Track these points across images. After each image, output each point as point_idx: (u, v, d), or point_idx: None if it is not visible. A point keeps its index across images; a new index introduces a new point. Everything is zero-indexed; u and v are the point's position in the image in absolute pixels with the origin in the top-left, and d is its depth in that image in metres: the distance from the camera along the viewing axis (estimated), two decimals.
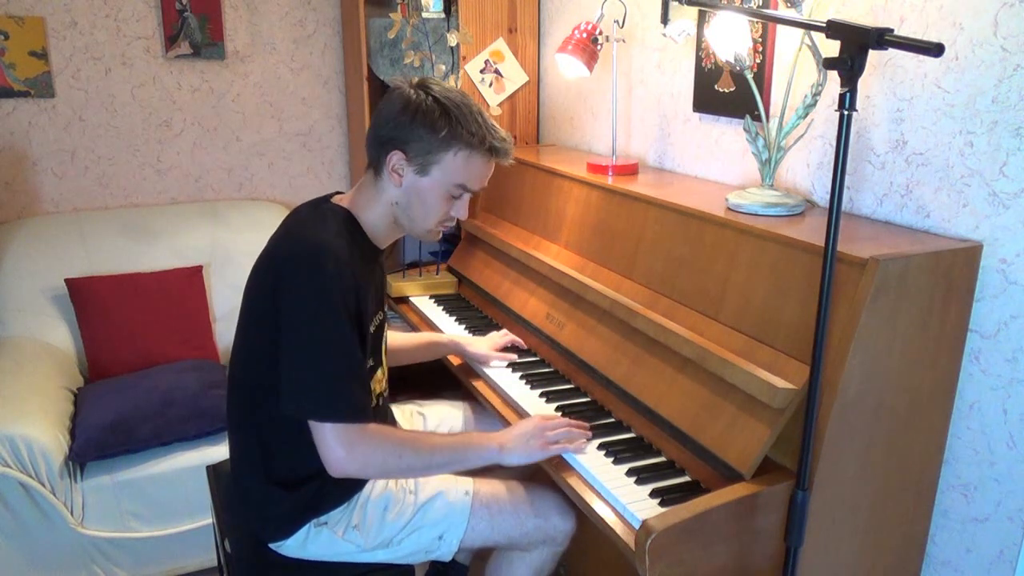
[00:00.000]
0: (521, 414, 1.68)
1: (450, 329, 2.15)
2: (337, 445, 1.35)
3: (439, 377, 2.10)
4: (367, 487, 1.55)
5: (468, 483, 1.61)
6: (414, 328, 2.28)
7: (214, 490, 1.77)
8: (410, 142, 1.41)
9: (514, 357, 1.90)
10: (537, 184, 2.24)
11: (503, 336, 1.96)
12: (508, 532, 1.59)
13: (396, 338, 1.88)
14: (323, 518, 1.51)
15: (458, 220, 1.54)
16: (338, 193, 1.57)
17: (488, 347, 1.90)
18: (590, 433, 1.55)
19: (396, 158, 1.43)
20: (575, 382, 1.81)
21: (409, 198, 1.46)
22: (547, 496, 1.64)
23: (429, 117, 1.39)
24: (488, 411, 1.82)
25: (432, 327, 2.20)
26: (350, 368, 1.37)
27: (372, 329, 1.49)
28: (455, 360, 1.97)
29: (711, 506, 1.25)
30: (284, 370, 1.36)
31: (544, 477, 1.61)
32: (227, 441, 2.24)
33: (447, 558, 1.57)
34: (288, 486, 1.48)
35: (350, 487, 1.53)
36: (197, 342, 2.58)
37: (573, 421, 1.56)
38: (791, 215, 1.62)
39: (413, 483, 1.59)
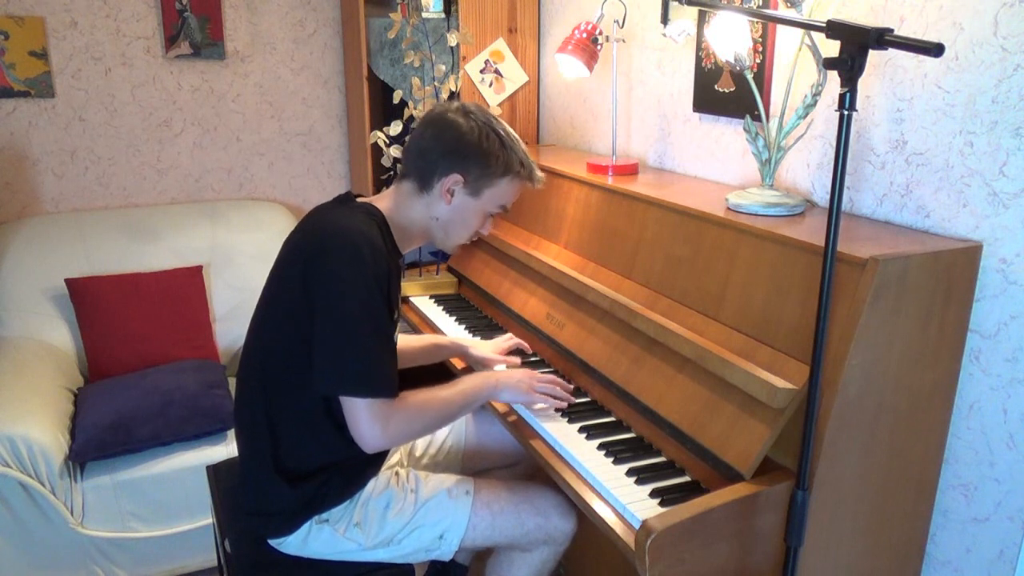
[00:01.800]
0: (521, 414, 1.68)
1: (451, 330, 2.15)
2: (373, 421, 1.39)
3: (439, 376, 2.10)
4: (369, 485, 1.56)
5: (469, 483, 1.61)
6: (415, 329, 2.28)
7: (214, 490, 1.77)
8: (470, 167, 1.52)
9: (517, 361, 1.88)
10: None
11: (507, 340, 1.94)
12: (509, 532, 1.59)
13: (399, 340, 1.87)
14: (325, 515, 1.51)
15: None
16: (358, 195, 1.58)
17: (492, 350, 1.89)
18: (572, 400, 1.69)
19: (453, 180, 1.51)
20: (575, 382, 1.81)
21: (453, 216, 1.56)
22: (548, 496, 1.64)
23: (492, 147, 1.52)
24: (488, 411, 1.82)
25: (432, 327, 2.20)
26: (385, 344, 1.43)
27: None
28: (457, 362, 1.97)
29: (711, 506, 1.25)
30: (318, 348, 1.39)
31: (544, 477, 1.61)
32: (227, 441, 2.26)
33: (447, 557, 1.58)
34: (293, 481, 1.48)
35: (353, 484, 1.53)
36: (197, 342, 2.58)
37: (560, 381, 1.70)
38: (791, 215, 1.62)
39: (414, 481, 1.59)
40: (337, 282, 1.37)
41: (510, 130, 1.57)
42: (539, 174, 1.61)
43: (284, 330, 1.44)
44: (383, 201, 1.56)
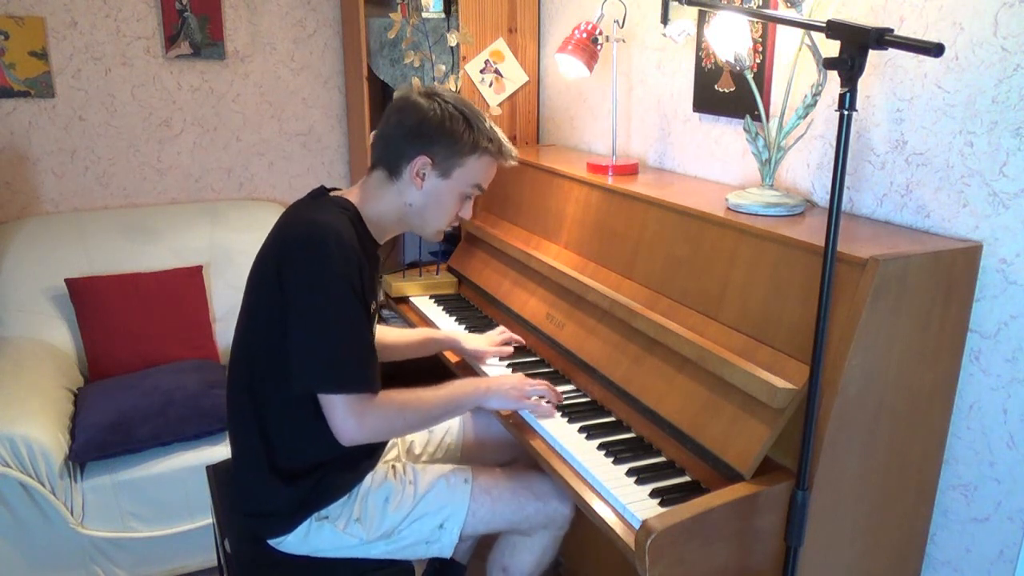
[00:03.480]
0: (520, 413, 1.68)
1: (449, 328, 2.15)
2: (349, 416, 1.38)
3: (436, 376, 2.10)
4: (367, 479, 1.56)
5: (467, 471, 1.63)
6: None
7: (214, 490, 1.77)
8: (437, 148, 1.50)
9: (510, 350, 1.90)
10: (537, 184, 2.24)
11: (500, 334, 1.96)
12: (508, 517, 1.60)
13: (392, 334, 1.88)
14: (324, 512, 1.51)
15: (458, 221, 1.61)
16: (334, 189, 1.58)
17: (485, 343, 1.91)
18: (560, 400, 1.69)
19: (421, 163, 1.50)
20: (575, 382, 1.81)
21: (427, 200, 1.54)
22: (546, 481, 1.64)
23: (456, 125, 1.50)
24: (487, 411, 1.82)
25: (432, 327, 2.20)
26: (358, 338, 1.41)
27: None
28: (454, 359, 1.98)
29: (711, 506, 1.25)
30: (293, 346, 1.38)
31: None
32: (227, 441, 2.25)
33: (447, 552, 1.58)
34: (289, 480, 1.49)
35: (350, 480, 1.54)
36: (197, 342, 2.58)
37: (552, 387, 1.68)
38: (791, 215, 1.62)
39: (412, 473, 1.60)
40: (306, 279, 1.37)
41: (476, 109, 1.56)
42: (510, 148, 1.58)
43: (265, 330, 1.44)
44: (354, 193, 1.56)
